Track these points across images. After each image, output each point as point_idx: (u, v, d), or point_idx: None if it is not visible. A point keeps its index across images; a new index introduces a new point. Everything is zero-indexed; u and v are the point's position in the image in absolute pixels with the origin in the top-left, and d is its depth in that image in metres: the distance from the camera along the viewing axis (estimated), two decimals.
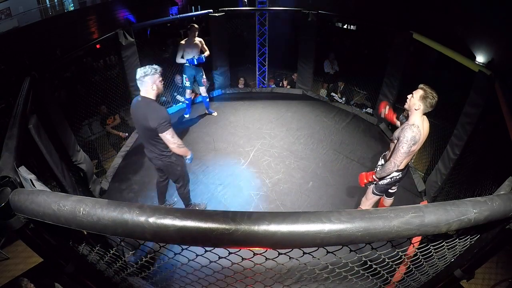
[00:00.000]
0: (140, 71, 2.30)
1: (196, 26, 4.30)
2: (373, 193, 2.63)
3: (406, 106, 2.24)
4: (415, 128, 2.13)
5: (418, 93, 2.14)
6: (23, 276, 2.86)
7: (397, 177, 2.48)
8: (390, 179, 2.49)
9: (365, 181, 2.56)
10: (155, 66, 2.34)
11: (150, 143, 2.49)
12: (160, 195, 3.19)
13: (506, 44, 5.84)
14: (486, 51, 6.27)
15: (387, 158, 2.47)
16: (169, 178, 2.92)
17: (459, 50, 3.40)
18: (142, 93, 2.36)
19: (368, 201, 2.72)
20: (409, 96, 2.21)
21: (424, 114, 2.20)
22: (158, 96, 2.42)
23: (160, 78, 2.38)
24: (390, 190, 2.81)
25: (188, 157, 2.65)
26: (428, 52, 6.03)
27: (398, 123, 2.60)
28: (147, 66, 2.32)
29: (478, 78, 2.89)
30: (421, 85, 2.17)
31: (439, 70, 5.94)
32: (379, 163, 2.64)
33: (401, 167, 2.40)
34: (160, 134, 2.34)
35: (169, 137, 2.37)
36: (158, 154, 2.55)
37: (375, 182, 2.58)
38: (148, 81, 2.30)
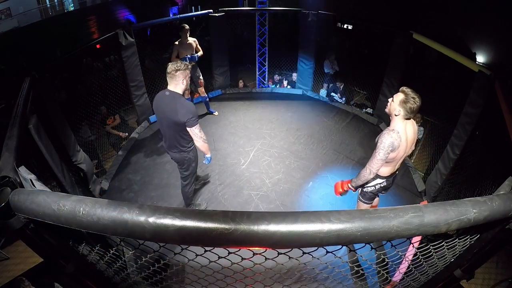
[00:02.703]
0: (172, 66, 2.40)
1: (186, 26, 4.29)
2: (361, 200, 2.52)
3: (386, 110, 2.12)
4: (394, 134, 2.00)
5: (398, 97, 2.00)
6: (23, 276, 2.86)
7: (381, 185, 2.34)
8: (373, 187, 2.36)
9: (340, 190, 2.41)
10: (186, 63, 2.48)
11: (174, 136, 2.55)
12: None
13: (506, 44, 5.84)
14: (486, 51, 6.27)
15: None
16: (180, 172, 2.92)
17: (459, 50, 3.40)
18: (171, 88, 2.45)
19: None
20: (389, 100, 2.09)
21: (407, 118, 2.06)
22: (184, 91, 2.53)
23: (190, 75, 2.50)
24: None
25: (208, 156, 2.76)
26: (428, 52, 6.03)
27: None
28: (178, 62, 2.45)
29: (478, 78, 2.89)
30: (402, 88, 2.03)
31: (440, 70, 5.94)
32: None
33: (384, 174, 2.27)
34: (188, 128, 2.44)
35: (197, 131, 2.47)
36: (178, 148, 2.62)
37: (358, 188, 2.44)
38: (179, 76, 2.40)
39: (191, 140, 2.59)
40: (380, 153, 2.04)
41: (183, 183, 2.96)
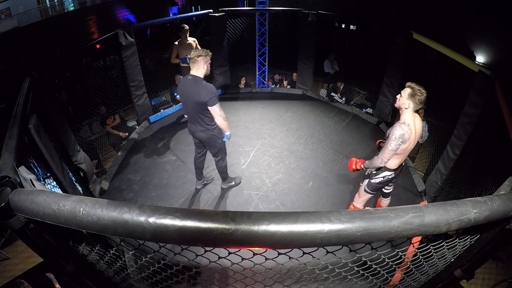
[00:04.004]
0: (194, 53, 2.67)
1: (186, 26, 4.31)
2: (365, 190, 2.63)
3: (396, 105, 2.25)
4: (405, 126, 2.14)
5: (405, 91, 2.15)
6: (23, 276, 2.86)
7: (389, 177, 2.46)
8: (382, 178, 2.48)
9: (354, 167, 2.60)
10: (207, 50, 2.72)
11: (198, 116, 2.80)
12: (197, 171, 3.47)
13: (506, 44, 5.84)
14: (486, 51, 6.27)
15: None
16: (209, 151, 3.16)
17: (459, 50, 3.40)
18: (193, 72, 2.70)
19: (361, 198, 2.71)
20: (398, 96, 2.22)
21: (416, 111, 2.20)
22: (206, 76, 2.75)
23: (210, 61, 2.74)
24: (385, 190, 2.79)
25: (227, 133, 2.96)
26: (428, 52, 6.03)
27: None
28: (200, 49, 2.71)
29: (478, 78, 2.89)
30: (408, 83, 2.17)
31: (440, 70, 5.94)
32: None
33: (393, 166, 2.39)
34: (209, 107, 2.69)
35: (217, 110, 2.72)
36: (204, 127, 2.87)
37: (365, 179, 2.59)
38: (201, 61, 2.66)
39: (213, 118, 2.83)
40: (392, 144, 2.18)
41: (216, 159, 3.21)
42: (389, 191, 2.80)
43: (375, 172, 2.52)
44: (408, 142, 2.18)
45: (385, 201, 2.90)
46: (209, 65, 2.73)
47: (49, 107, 2.87)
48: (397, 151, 2.24)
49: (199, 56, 2.64)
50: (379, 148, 2.56)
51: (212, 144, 3.01)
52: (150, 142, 4.49)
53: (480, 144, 2.97)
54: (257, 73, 6.23)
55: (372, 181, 2.53)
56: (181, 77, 4.64)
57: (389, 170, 2.42)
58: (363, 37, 8.34)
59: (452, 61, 3.36)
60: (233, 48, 5.85)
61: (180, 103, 5.46)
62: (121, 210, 0.71)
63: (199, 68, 2.68)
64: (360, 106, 5.65)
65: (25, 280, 2.11)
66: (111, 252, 1.11)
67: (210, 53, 2.73)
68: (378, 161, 2.32)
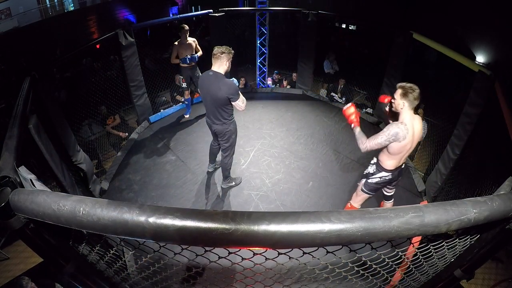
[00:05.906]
0: (218, 49, 2.72)
1: (186, 26, 4.31)
2: (362, 190, 2.61)
3: (393, 109, 2.24)
4: (402, 126, 2.12)
5: (397, 93, 2.16)
6: (23, 275, 2.86)
7: (386, 178, 2.44)
8: (379, 178, 2.46)
9: (348, 114, 2.46)
10: (230, 47, 2.78)
11: (217, 110, 2.88)
12: (211, 155, 3.67)
13: (506, 44, 5.84)
14: (486, 51, 6.27)
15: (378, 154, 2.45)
16: (221, 145, 3.22)
17: (459, 50, 3.40)
18: (215, 68, 2.76)
19: (358, 197, 2.70)
20: (392, 100, 2.22)
21: (413, 110, 2.17)
22: (226, 72, 2.81)
23: (232, 59, 2.79)
24: (386, 193, 2.77)
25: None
26: (428, 52, 6.03)
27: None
28: (223, 46, 2.75)
29: (478, 78, 2.89)
30: (398, 84, 2.18)
31: (440, 70, 5.94)
32: (372, 161, 2.62)
33: (389, 167, 2.37)
34: (233, 102, 2.79)
35: (240, 103, 2.81)
36: (221, 120, 2.95)
37: (362, 179, 2.55)
38: (224, 58, 2.72)
39: (231, 113, 2.96)
40: (382, 137, 2.17)
41: (223, 154, 3.26)
42: (390, 193, 2.78)
43: (372, 172, 2.50)
44: (403, 142, 2.14)
45: (388, 204, 2.89)
46: (230, 63, 2.78)
47: (49, 107, 2.87)
48: (392, 151, 2.22)
49: (222, 53, 2.69)
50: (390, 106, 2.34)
51: (226, 138, 3.08)
52: (150, 142, 4.49)
53: (480, 144, 2.97)
54: (257, 73, 6.23)
55: (369, 181, 2.52)
56: (181, 77, 4.64)
57: (386, 170, 2.40)
58: (363, 37, 8.33)
59: (452, 61, 3.36)
60: (233, 48, 5.85)
61: (180, 103, 5.47)
62: (121, 210, 0.71)
63: (222, 64, 2.74)
64: (360, 106, 5.65)
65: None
66: (111, 252, 1.10)
67: (233, 51, 2.79)
68: (361, 144, 2.27)
